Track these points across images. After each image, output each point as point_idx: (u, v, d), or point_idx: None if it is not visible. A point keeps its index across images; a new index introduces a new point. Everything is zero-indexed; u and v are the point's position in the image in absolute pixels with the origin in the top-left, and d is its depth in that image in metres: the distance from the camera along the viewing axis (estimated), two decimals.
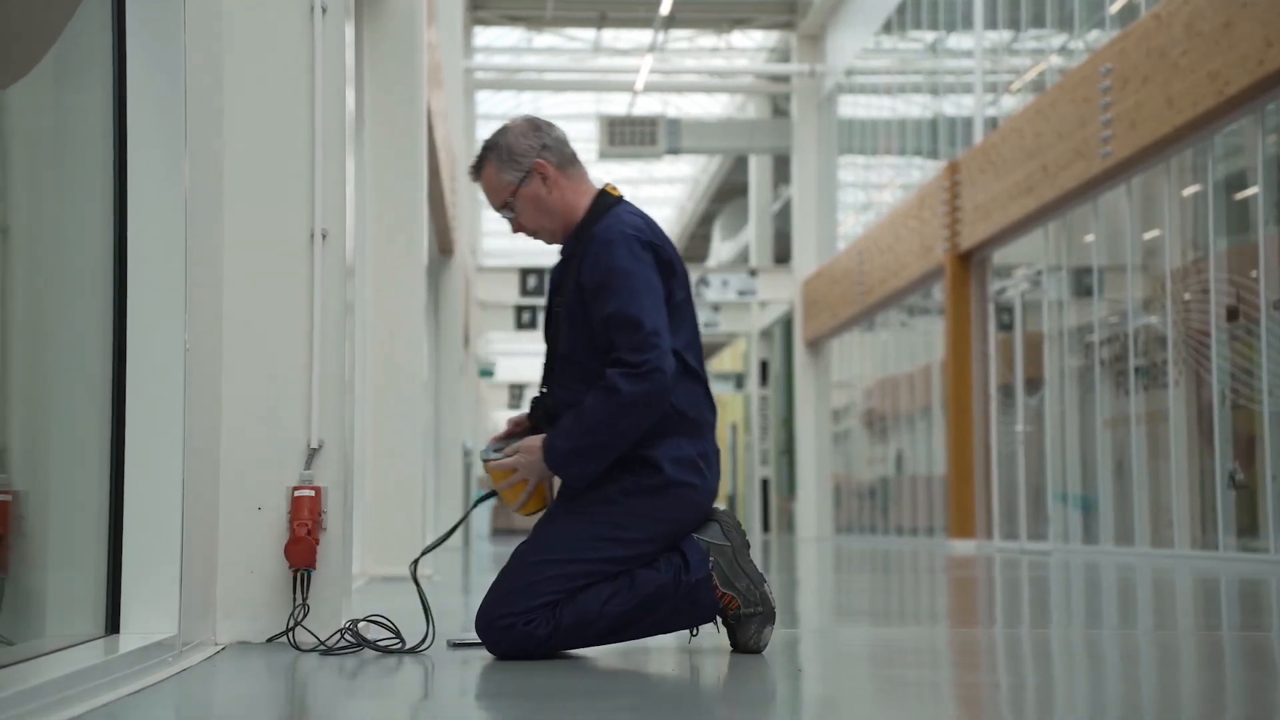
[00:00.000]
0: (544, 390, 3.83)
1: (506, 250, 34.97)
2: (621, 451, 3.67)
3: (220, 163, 4.12)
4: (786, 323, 26.04)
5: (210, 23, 4.03)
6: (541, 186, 3.83)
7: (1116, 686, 3.32)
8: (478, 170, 3.88)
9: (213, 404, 4.02)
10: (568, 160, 3.86)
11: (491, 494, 3.85)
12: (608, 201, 3.85)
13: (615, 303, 3.64)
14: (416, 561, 3.89)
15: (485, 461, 3.78)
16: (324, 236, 4.19)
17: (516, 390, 45.43)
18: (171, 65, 3.68)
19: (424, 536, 9.02)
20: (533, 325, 27.39)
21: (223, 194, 4.14)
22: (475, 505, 3.94)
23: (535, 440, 3.72)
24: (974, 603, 6.70)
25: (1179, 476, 11.55)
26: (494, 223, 34.07)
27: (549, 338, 3.84)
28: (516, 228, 3.91)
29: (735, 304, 26.30)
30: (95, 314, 3.63)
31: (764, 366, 28.65)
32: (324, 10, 4.22)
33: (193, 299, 3.72)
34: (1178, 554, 11.32)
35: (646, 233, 3.76)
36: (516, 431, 3.87)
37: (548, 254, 35.65)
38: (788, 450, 26.07)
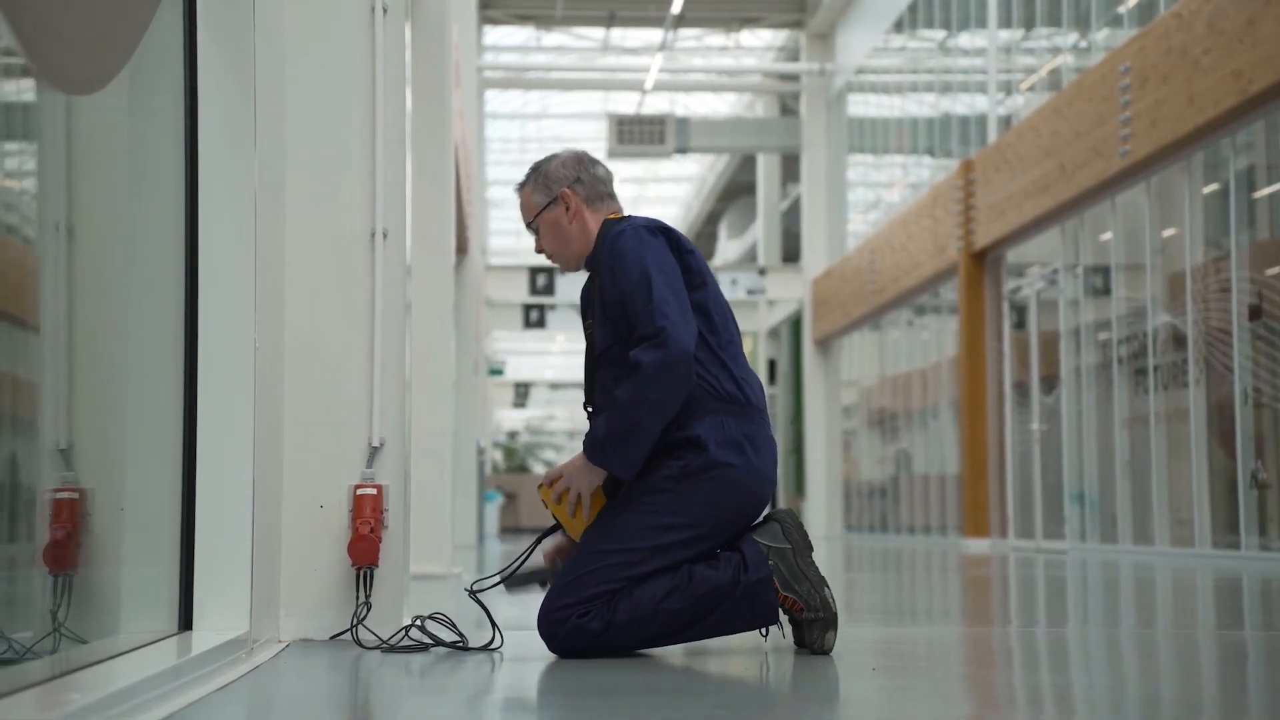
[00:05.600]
0: (588, 405, 3.89)
1: (514, 249, 34.98)
2: (658, 427, 3.70)
3: (283, 163, 4.14)
4: (795, 321, 26.04)
5: (275, 24, 4.05)
6: (564, 215, 4.01)
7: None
8: (521, 187, 4.10)
9: (276, 403, 4.04)
10: (596, 196, 4.05)
11: (556, 527, 3.89)
12: (610, 224, 4.00)
13: (627, 281, 3.77)
14: (473, 590, 3.87)
15: (540, 489, 3.83)
16: (384, 236, 4.21)
17: (523, 389, 45.34)
18: (241, 67, 3.70)
19: (450, 535, 9.03)
20: (540, 324, 27.37)
21: (285, 194, 4.15)
22: (538, 542, 3.94)
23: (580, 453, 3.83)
24: (1004, 603, 6.72)
25: (1199, 476, 11.55)
26: (501, 221, 34.11)
27: (588, 354, 3.94)
28: (538, 248, 4.11)
29: (743, 303, 26.28)
30: (167, 313, 3.65)
31: (772, 365, 28.63)
32: (385, 10, 4.24)
33: (259, 299, 3.74)
34: (1198, 553, 11.32)
35: (655, 224, 3.94)
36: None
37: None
38: (796, 449, 26.07)
